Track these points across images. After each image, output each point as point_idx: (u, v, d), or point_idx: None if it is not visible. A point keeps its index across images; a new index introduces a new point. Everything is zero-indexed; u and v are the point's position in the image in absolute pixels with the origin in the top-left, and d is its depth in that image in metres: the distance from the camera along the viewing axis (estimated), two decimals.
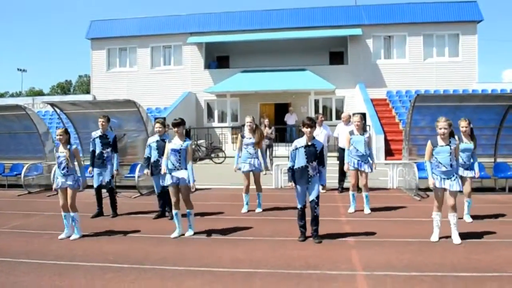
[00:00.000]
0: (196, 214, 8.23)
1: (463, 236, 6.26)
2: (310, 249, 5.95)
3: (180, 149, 6.57)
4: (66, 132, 6.84)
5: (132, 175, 10.80)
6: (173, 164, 6.59)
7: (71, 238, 6.73)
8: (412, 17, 23.84)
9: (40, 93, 60.69)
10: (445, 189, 6.16)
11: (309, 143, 6.24)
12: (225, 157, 18.46)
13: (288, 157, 6.54)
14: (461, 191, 6.30)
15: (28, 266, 5.41)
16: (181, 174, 6.58)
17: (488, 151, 10.88)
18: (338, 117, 21.73)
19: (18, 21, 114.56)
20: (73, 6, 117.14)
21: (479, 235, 6.45)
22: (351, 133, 8.42)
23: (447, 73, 23.12)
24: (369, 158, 8.33)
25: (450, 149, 6.08)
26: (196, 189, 11.09)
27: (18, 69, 62.32)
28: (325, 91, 23.14)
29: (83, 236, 6.80)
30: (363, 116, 16.75)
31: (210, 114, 25.26)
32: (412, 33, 23.76)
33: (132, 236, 6.83)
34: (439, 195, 6.23)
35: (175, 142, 6.64)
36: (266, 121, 15.80)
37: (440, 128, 6.09)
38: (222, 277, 4.95)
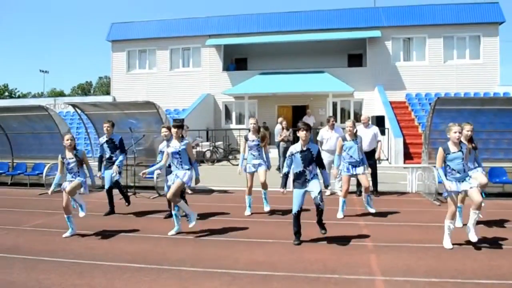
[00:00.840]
0: (212, 216, 8.34)
1: (483, 241, 6.17)
2: (328, 252, 5.93)
3: (180, 150, 6.66)
4: (72, 138, 7.09)
5: (151, 176, 10.88)
6: (176, 167, 6.73)
7: (80, 215, 7.01)
8: (432, 19, 23.53)
9: (61, 94, 61.74)
10: (466, 192, 6.06)
11: (304, 148, 6.22)
12: (244, 159, 18.46)
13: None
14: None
15: (49, 264, 5.51)
16: (180, 173, 6.70)
17: (510, 156, 10.68)
18: (357, 119, 21.59)
19: (40, 23, 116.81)
20: (94, 8, 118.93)
21: (500, 241, 6.33)
22: (344, 138, 8.27)
23: (468, 75, 22.74)
24: (362, 163, 8.22)
25: (463, 154, 6.00)
26: (213, 191, 11.15)
27: (40, 70, 63.65)
28: (343, 94, 22.99)
29: (103, 235, 6.89)
30: (382, 119, 16.67)
31: (228, 116, 25.33)
32: (432, 35, 23.45)
33: (151, 237, 6.89)
34: (455, 200, 6.12)
35: (173, 145, 6.73)
36: (284, 123, 15.77)
37: (455, 132, 5.99)
38: (240, 279, 4.96)
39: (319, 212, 6.26)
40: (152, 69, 26.39)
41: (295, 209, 6.28)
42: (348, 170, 8.17)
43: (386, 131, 17.71)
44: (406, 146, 17.17)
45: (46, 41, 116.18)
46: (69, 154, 7.00)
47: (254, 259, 5.67)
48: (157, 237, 6.87)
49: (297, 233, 6.37)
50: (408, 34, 23.79)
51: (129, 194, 10.35)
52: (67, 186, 6.92)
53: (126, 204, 8.87)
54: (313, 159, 6.24)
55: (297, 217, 6.31)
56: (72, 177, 6.99)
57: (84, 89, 72.70)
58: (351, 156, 8.16)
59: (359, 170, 8.16)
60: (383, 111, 19.64)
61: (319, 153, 6.32)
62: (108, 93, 34.66)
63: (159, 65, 26.19)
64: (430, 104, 13.35)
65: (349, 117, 23.78)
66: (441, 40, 23.38)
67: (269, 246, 6.27)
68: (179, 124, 6.79)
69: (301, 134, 6.20)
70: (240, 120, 24.66)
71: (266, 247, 6.22)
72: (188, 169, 6.73)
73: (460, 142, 6.10)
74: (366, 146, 9.97)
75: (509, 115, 10.46)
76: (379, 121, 17.79)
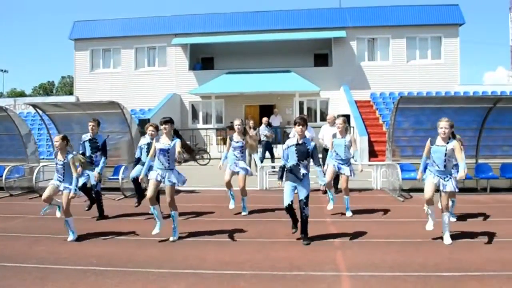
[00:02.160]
0: (180, 215, 8.23)
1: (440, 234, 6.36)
2: (295, 250, 5.97)
3: (169, 148, 6.50)
4: (63, 138, 6.68)
5: (116, 177, 10.70)
6: (162, 164, 6.51)
7: (68, 239, 6.62)
8: (395, 20, 24.09)
9: (22, 94, 59.68)
10: (438, 190, 6.21)
11: (300, 142, 6.24)
12: (209, 159, 18.42)
13: (279, 157, 6.54)
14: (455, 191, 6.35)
15: (10, 270, 5.32)
16: (171, 175, 6.51)
17: (470, 152, 11.03)
18: (323, 118, 21.86)
19: None
20: (56, 6, 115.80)
21: (460, 235, 6.55)
22: (334, 135, 8.40)
23: (430, 75, 23.39)
24: (350, 163, 8.29)
25: (446, 150, 6.06)
26: (180, 191, 11.07)
27: None
28: (310, 93, 23.24)
29: (65, 240, 6.71)
30: (347, 118, 16.91)
31: (195, 116, 25.17)
32: (395, 36, 24.01)
33: (116, 239, 6.77)
34: (429, 188, 6.16)
35: (163, 142, 6.55)
36: (251, 122, 15.79)
37: (441, 128, 6.11)
38: (207, 279, 4.93)
39: (304, 219, 6.22)
40: (117, 68, 25.93)
41: (286, 201, 6.26)
42: (334, 166, 8.25)
43: (352, 129, 18.02)
44: (371, 144, 17.52)
45: (5, 39, 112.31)
46: (59, 156, 6.65)
47: (222, 258, 5.65)
48: (123, 239, 6.75)
49: (292, 216, 6.38)
50: (372, 35, 24.28)
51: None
52: (63, 200, 6.61)
53: (86, 209, 8.42)
54: (308, 154, 6.21)
55: (289, 209, 6.30)
56: (58, 179, 6.64)
57: (46, 89, 70.61)
58: (337, 154, 8.21)
59: (346, 170, 8.17)
60: (348, 110, 19.99)
61: (314, 149, 6.30)
62: (71, 93, 33.85)
63: (124, 65, 25.75)
64: (393, 103, 13.65)
65: (315, 116, 24.07)
66: (404, 41, 23.97)
67: (236, 246, 6.26)
68: (167, 120, 6.56)
69: (297, 129, 6.20)
70: (207, 120, 24.56)
71: (233, 247, 6.21)
72: (173, 169, 6.58)
73: (450, 138, 6.13)
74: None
75: (469, 113, 10.82)
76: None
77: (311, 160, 6.32)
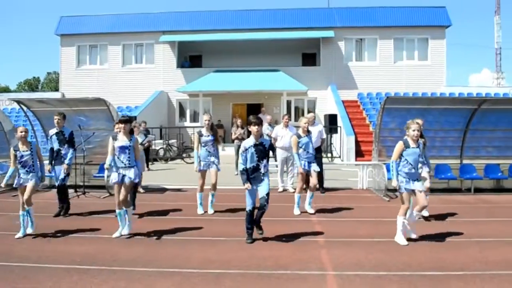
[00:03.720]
0: (165, 215, 8.21)
1: (429, 236, 6.41)
2: (280, 249, 5.98)
3: (129, 145, 6.56)
4: (26, 130, 6.92)
5: (101, 175, 10.59)
6: (123, 162, 6.55)
7: (28, 231, 6.71)
8: (383, 21, 24.27)
9: (6, 90, 58.80)
10: (414, 191, 6.26)
11: (257, 142, 6.24)
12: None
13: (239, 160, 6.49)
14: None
15: None
16: (130, 172, 6.57)
17: (455, 153, 11.17)
18: None
19: None
20: (42, 1, 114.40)
21: (444, 235, 6.61)
22: (298, 135, 8.36)
23: (417, 76, 23.61)
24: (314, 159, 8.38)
25: (420, 150, 6.22)
26: (166, 189, 11.01)
27: None
28: (297, 92, 23.28)
29: (50, 237, 6.63)
30: (334, 117, 16.99)
31: (182, 114, 25.06)
32: (383, 37, 24.18)
33: (101, 237, 6.70)
34: (408, 197, 6.29)
35: (121, 139, 6.59)
36: (239, 121, 15.76)
37: (414, 130, 6.18)
38: (192, 278, 4.91)
39: (261, 212, 6.26)
40: (104, 65, 25.70)
41: (249, 206, 6.27)
42: (304, 166, 8.26)
43: (339, 129, 18.11)
44: (357, 143, 17.61)
45: None
46: (23, 147, 6.75)
47: (207, 257, 5.63)
48: (107, 237, 6.68)
49: (250, 230, 6.35)
50: (360, 35, 24.43)
51: (79, 193, 10.04)
52: (26, 189, 6.68)
53: (61, 213, 8.22)
54: (266, 153, 6.25)
55: (250, 214, 6.30)
56: (26, 171, 6.72)
57: (32, 85, 69.72)
58: (307, 152, 8.26)
59: (313, 167, 8.28)
60: (335, 110, 20.06)
61: (270, 145, 6.37)
62: (57, 90, 33.49)
63: (111, 61, 25.55)
64: (380, 103, 13.74)
65: (303, 115, 24.09)
66: (391, 42, 24.17)
67: (222, 244, 6.24)
68: (126, 119, 6.71)
69: (253, 128, 6.21)
70: (194, 118, 24.46)
71: (219, 246, 6.19)
72: (135, 166, 6.62)
73: (418, 138, 6.27)
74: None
75: (454, 114, 10.94)
76: (332, 120, 18.17)
77: (271, 154, 6.40)
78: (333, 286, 4.66)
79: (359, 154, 17.25)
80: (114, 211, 8.35)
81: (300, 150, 8.28)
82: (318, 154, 10.23)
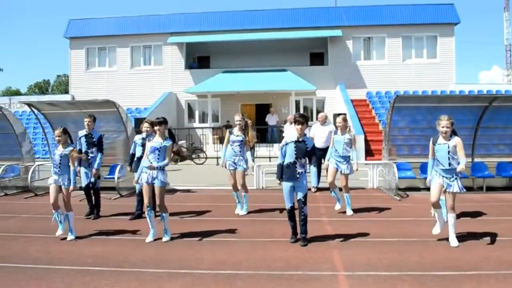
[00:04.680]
0: (176, 215, 8.21)
1: (442, 236, 6.34)
2: (292, 250, 5.95)
3: (161, 146, 6.49)
4: (64, 132, 6.79)
5: (111, 176, 10.65)
6: (150, 162, 6.49)
7: (68, 239, 6.63)
8: (391, 19, 24.14)
9: (17, 93, 59.30)
10: (444, 189, 6.08)
11: (300, 139, 6.19)
12: (206, 158, 18.37)
13: (275, 155, 6.46)
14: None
15: (4, 270, 5.27)
16: (159, 174, 6.48)
17: (466, 151, 11.02)
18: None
19: None
20: (51, 4, 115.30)
21: (457, 234, 6.52)
22: (335, 132, 8.41)
23: (426, 74, 23.46)
24: (349, 159, 8.28)
25: (449, 147, 5.98)
26: (176, 190, 11.05)
27: None
28: (306, 92, 23.24)
29: (60, 240, 6.67)
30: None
31: (191, 115, 25.13)
32: (391, 35, 24.06)
33: (112, 239, 6.73)
34: (435, 190, 6.08)
35: (156, 140, 6.57)
36: (250, 122, 15.71)
37: (443, 127, 6.04)
38: (203, 279, 4.91)
39: (303, 218, 6.13)
40: (112, 67, 25.87)
41: (288, 205, 6.22)
42: (333, 164, 8.24)
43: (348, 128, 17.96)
44: (367, 143, 17.55)
45: (0, 38, 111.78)
46: (59, 147, 6.76)
47: (218, 258, 5.63)
48: (118, 238, 6.72)
49: (293, 227, 6.27)
50: (368, 34, 24.33)
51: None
52: (64, 193, 6.66)
53: (94, 216, 8.28)
54: (306, 152, 6.17)
55: (291, 212, 6.23)
56: (55, 171, 6.68)
57: (42, 88, 70.28)
58: (336, 150, 8.21)
59: (344, 168, 8.19)
60: (344, 109, 19.99)
61: (313, 148, 6.29)
62: (66, 92, 33.72)
63: (120, 63, 25.70)
64: (389, 102, 13.66)
65: (312, 115, 24.05)
66: (400, 40, 24.03)
67: (232, 245, 6.24)
68: (161, 121, 6.59)
69: (297, 127, 6.16)
70: (203, 119, 24.50)
71: (229, 246, 6.18)
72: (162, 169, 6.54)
73: (451, 135, 6.07)
74: (322, 143, 10.31)
75: (464, 112, 10.83)
76: None
77: (307, 159, 6.28)
78: (345, 286, 4.63)
79: (368, 153, 17.19)
80: (125, 213, 8.45)
81: (333, 149, 8.29)
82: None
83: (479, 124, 10.81)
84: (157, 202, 6.55)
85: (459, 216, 7.77)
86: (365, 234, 6.68)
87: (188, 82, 24.57)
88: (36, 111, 11.87)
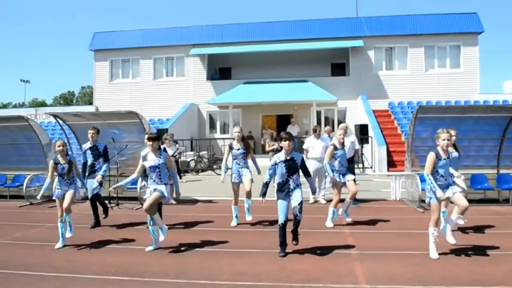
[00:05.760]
0: (196, 226, 8.24)
1: (466, 249, 6.21)
2: (312, 261, 5.91)
3: (159, 164, 6.50)
4: (65, 143, 7.17)
5: (134, 186, 10.74)
6: (154, 181, 6.55)
7: (67, 235, 6.95)
8: (413, 29, 23.94)
9: (43, 104, 60.76)
10: (449, 199, 6.07)
11: (288, 157, 6.19)
12: (227, 169, 18.36)
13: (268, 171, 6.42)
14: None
15: (28, 278, 5.37)
16: (160, 187, 6.51)
17: (491, 162, 10.84)
18: None
19: (21, 32, 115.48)
20: (76, 18, 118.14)
21: (482, 247, 6.38)
22: (335, 147, 8.21)
23: (449, 84, 23.13)
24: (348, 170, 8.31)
25: (450, 161, 6.06)
26: (198, 201, 11.08)
27: (21, 80, 62.20)
28: (327, 103, 23.14)
29: (85, 247, 6.76)
30: (363, 127, 16.82)
31: (213, 126, 25.29)
32: (413, 45, 23.83)
33: (133, 248, 6.79)
34: (439, 207, 6.08)
35: (151, 158, 6.52)
36: (274, 133, 15.70)
37: (444, 140, 6.00)
38: None
39: (296, 222, 6.19)
40: (136, 78, 26.27)
41: (281, 219, 6.19)
42: (339, 179, 8.13)
43: (370, 139, 17.83)
44: (389, 154, 17.32)
45: (27, 50, 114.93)
46: (62, 160, 7.02)
47: (238, 269, 5.62)
48: (140, 248, 6.76)
49: (283, 243, 6.27)
50: (390, 44, 24.14)
51: (112, 205, 10.21)
52: (66, 197, 6.94)
53: (104, 216, 8.56)
54: (297, 168, 6.22)
55: (283, 227, 6.23)
56: (67, 182, 6.97)
57: (67, 99, 71.92)
58: (342, 165, 8.14)
59: (348, 177, 8.16)
60: (366, 120, 19.80)
61: (303, 161, 6.30)
62: (90, 103, 34.39)
63: (143, 75, 26.08)
64: (412, 112, 13.48)
65: (333, 126, 23.89)
66: (422, 50, 23.78)
67: (253, 256, 6.22)
68: (154, 137, 6.58)
69: (284, 144, 6.17)
70: (224, 130, 24.62)
71: (250, 257, 6.17)
72: (166, 184, 6.58)
73: (447, 149, 6.08)
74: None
75: (489, 122, 10.63)
76: (363, 130, 17.87)
77: (301, 172, 6.31)
78: None
79: (391, 164, 16.96)
80: (145, 223, 8.50)
81: (336, 162, 8.16)
82: (350, 164, 10.14)
83: (504, 134, 10.58)
84: (147, 202, 6.50)
85: (484, 228, 7.62)
86: (387, 247, 6.58)
87: (210, 93, 24.77)
88: (61, 122, 12.12)
